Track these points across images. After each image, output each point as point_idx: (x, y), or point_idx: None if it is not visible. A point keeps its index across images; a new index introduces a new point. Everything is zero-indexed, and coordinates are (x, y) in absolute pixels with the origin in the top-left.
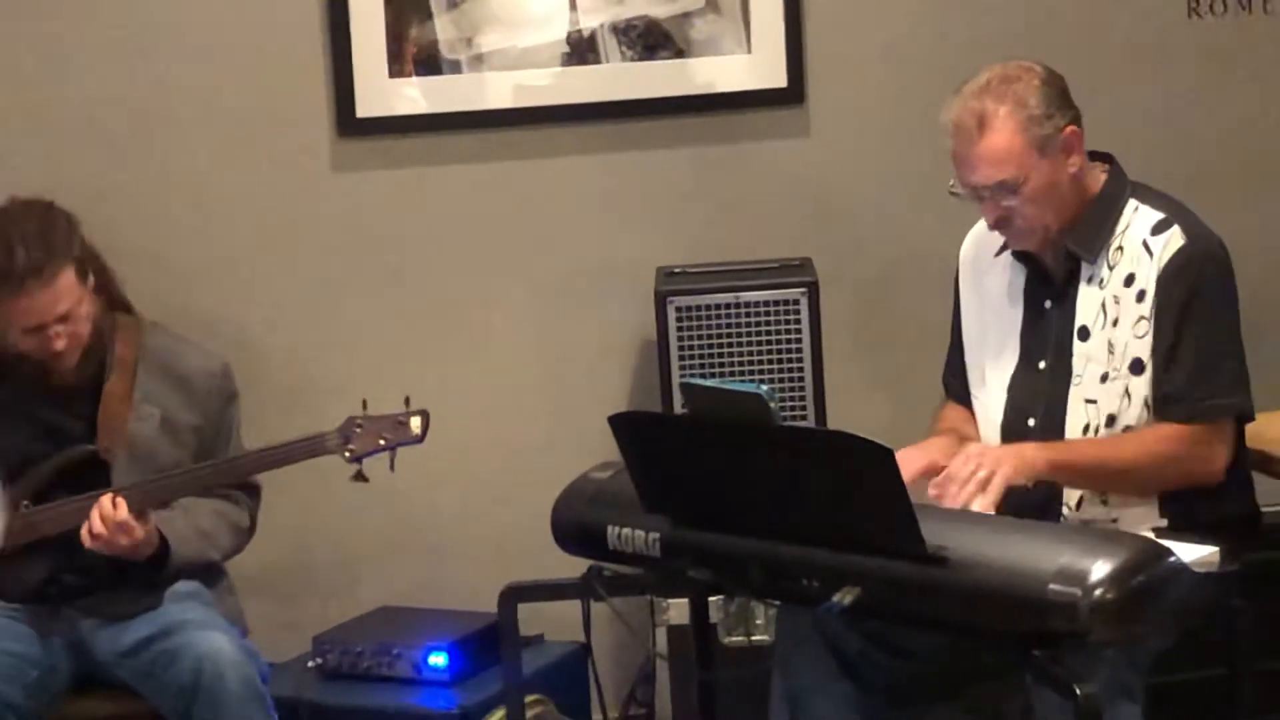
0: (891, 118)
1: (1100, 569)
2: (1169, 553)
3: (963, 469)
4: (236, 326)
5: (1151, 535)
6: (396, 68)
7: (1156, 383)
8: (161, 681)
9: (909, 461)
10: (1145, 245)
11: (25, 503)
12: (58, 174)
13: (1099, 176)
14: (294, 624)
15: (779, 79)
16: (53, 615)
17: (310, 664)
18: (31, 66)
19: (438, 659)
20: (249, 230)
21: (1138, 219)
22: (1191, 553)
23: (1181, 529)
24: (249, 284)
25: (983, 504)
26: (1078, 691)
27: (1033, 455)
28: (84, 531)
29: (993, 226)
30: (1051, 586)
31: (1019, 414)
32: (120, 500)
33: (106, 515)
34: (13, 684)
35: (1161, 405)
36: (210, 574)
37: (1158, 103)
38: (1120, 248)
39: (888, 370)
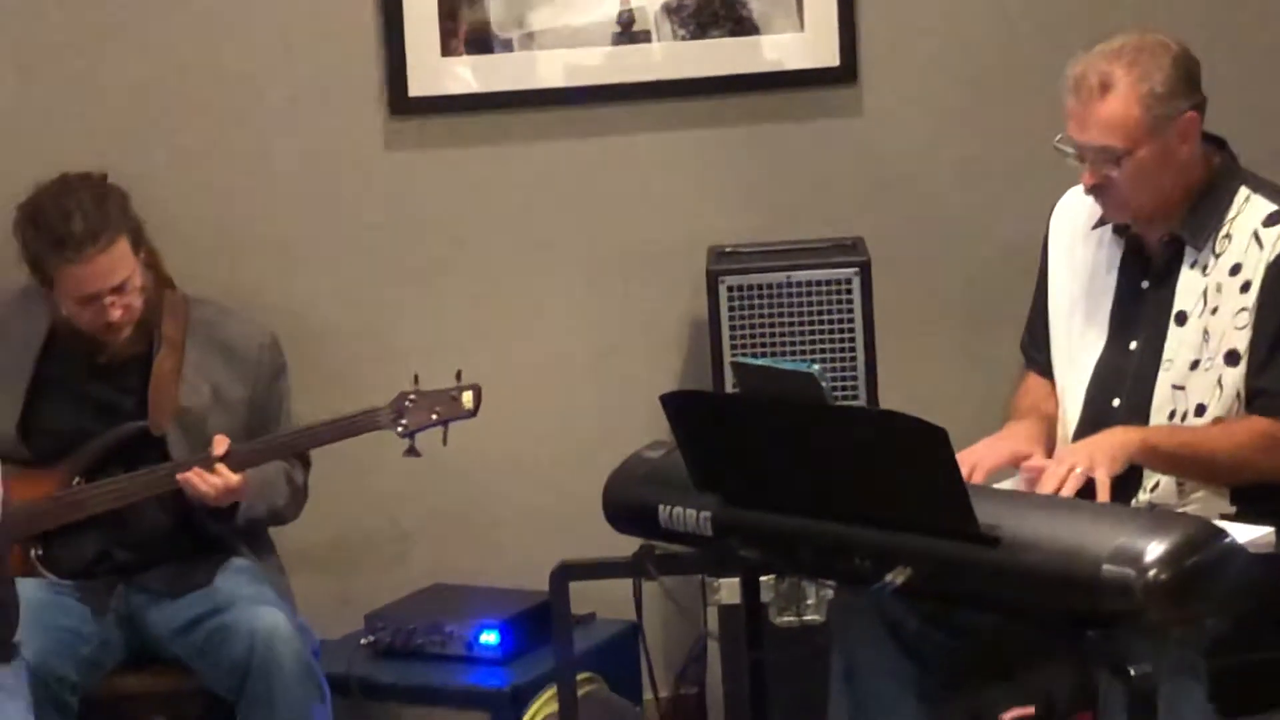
0: (944, 96)
1: (1155, 549)
2: (1224, 533)
3: (1057, 471)
4: (288, 304)
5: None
6: (448, 47)
7: (1251, 376)
8: (215, 658)
9: (993, 452)
10: (1256, 236)
11: (77, 479)
12: (109, 153)
13: (1211, 161)
14: (346, 601)
15: (832, 57)
16: (105, 591)
17: (362, 641)
18: (83, 47)
19: (489, 637)
20: (302, 209)
21: (1249, 208)
22: (1247, 533)
23: (1251, 518)
24: (301, 262)
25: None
26: (1131, 672)
27: (1124, 439)
28: (200, 492)
29: (1088, 191)
30: (1106, 567)
31: (1104, 393)
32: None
33: (227, 482)
34: (66, 660)
35: (1254, 399)
36: (261, 552)
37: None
38: (1228, 235)
39: (940, 350)
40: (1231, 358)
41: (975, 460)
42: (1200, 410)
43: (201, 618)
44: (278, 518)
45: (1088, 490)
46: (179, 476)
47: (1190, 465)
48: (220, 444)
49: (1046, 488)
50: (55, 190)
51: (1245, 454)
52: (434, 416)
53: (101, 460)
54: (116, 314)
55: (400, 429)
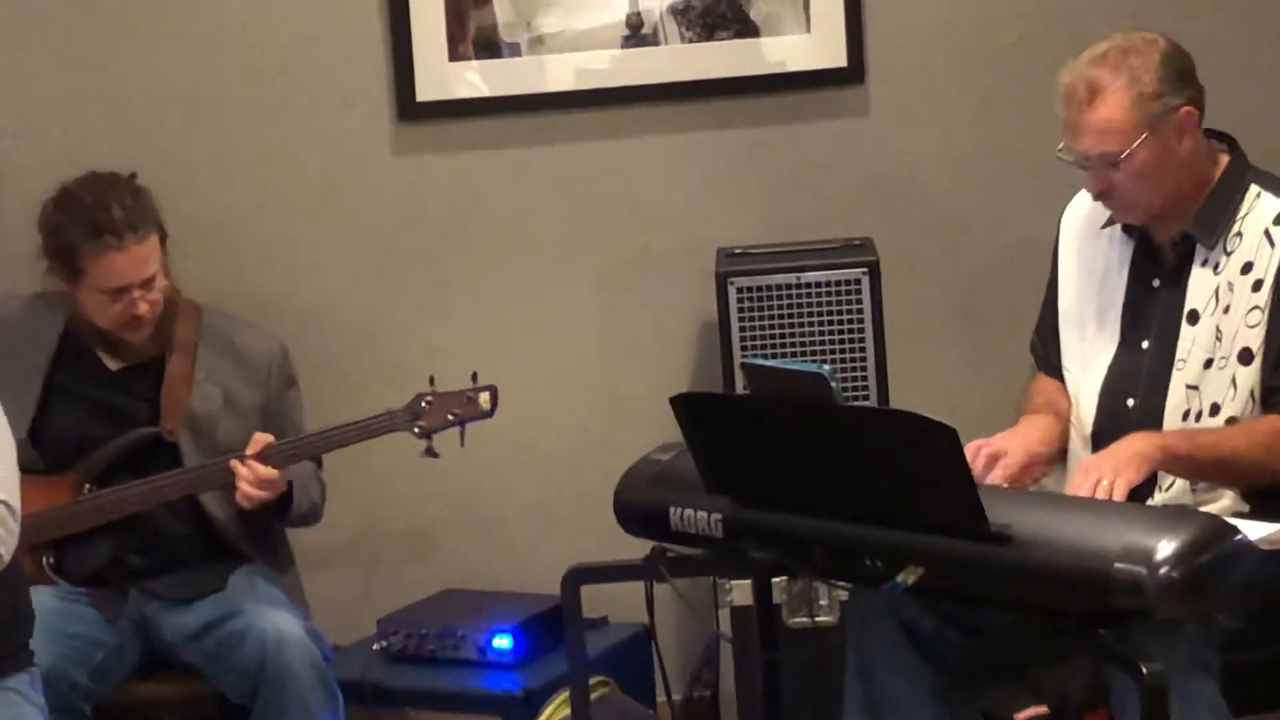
0: (952, 96)
1: (1166, 546)
2: (1235, 530)
3: (1085, 482)
4: (296, 309)
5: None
6: (456, 51)
7: (1266, 374)
8: (227, 663)
9: (1014, 451)
10: (1267, 234)
11: (88, 485)
12: (117, 157)
13: (1219, 159)
14: (359, 606)
15: (839, 58)
16: (118, 597)
17: (375, 646)
18: (93, 49)
19: (502, 641)
20: (310, 214)
21: (1260, 205)
22: (1259, 530)
23: (1263, 515)
24: (309, 267)
25: None
26: (1144, 669)
27: (1146, 449)
28: (243, 491)
29: (1095, 197)
30: (1117, 564)
31: (1118, 394)
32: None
33: (260, 474)
34: (79, 667)
35: (1269, 398)
36: (275, 557)
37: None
38: (1239, 234)
39: (950, 349)
40: (1245, 356)
41: (996, 449)
42: (1215, 410)
43: (213, 623)
44: (315, 515)
45: None
46: (234, 466)
47: (1212, 468)
48: (259, 441)
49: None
50: (89, 182)
51: (1267, 453)
52: (451, 418)
53: (113, 466)
54: (144, 309)
55: (417, 430)
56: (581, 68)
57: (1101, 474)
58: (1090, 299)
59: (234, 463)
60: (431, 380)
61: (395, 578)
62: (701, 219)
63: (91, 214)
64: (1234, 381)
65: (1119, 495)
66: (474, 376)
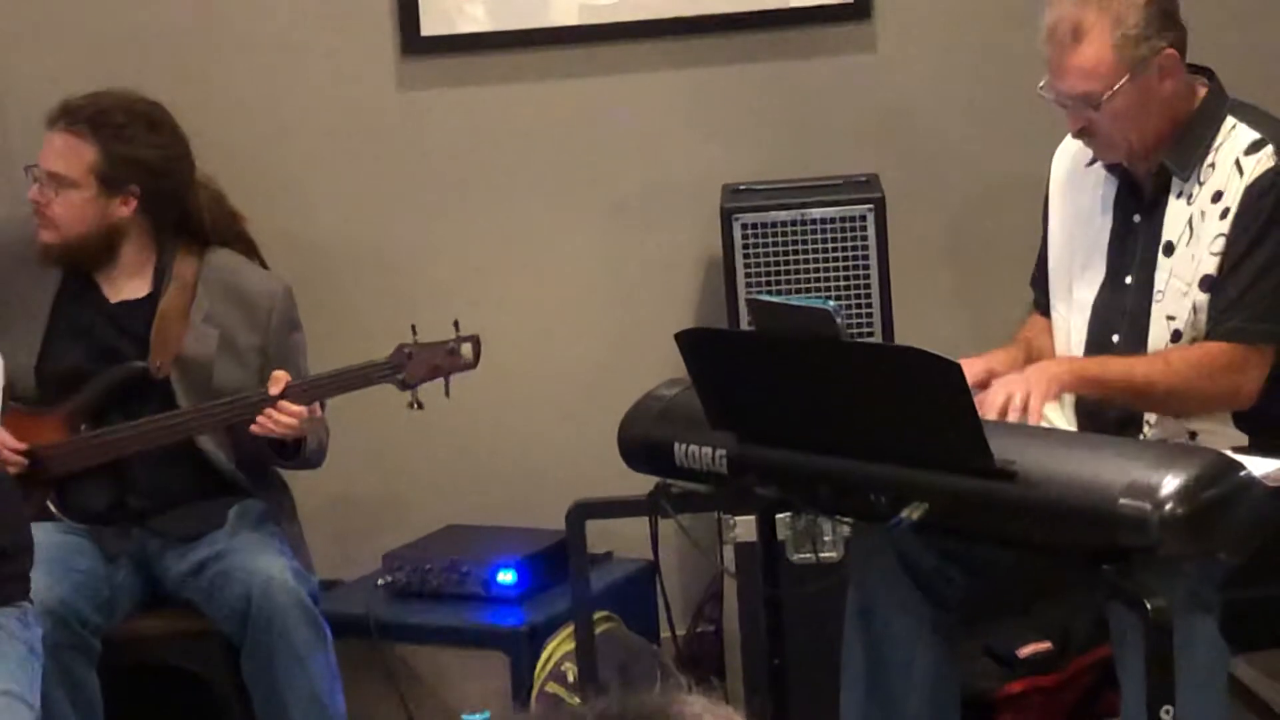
0: (959, 32)
1: (1171, 483)
2: (1240, 466)
3: (997, 398)
4: (300, 247)
5: (1229, 452)
6: None
7: (1212, 302)
8: (218, 602)
9: (969, 367)
10: (1237, 164)
11: (83, 425)
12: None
13: (1198, 91)
14: (363, 540)
15: None
16: (121, 536)
17: (379, 582)
18: None
19: (506, 576)
20: (313, 150)
21: (1234, 137)
22: (1264, 466)
23: (1264, 448)
24: (312, 204)
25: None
26: (1148, 605)
27: (1057, 371)
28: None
29: (1075, 135)
30: (1122, 501)
31: (1104, 330)
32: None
33: (294, 412)
34: (86, 600)
35: (1212, 326)
36: (274, 493)
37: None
38: (1213, 164)
39: (955, 286)
40: (1205, 283)
41: None
42: (1176, 336)
43: (208, 561)
44: (321, 454)
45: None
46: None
47: (1122, 393)
48: (279, 381)
49: (989, 415)
50: (116, 89)
51: (1183, 380)
52: (432, 369)
53: (103, 403)
54: (43, 201)
55: (399, 383)
56: (586, 2)
57: (1012, 390)
58: (1078, 237)
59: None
60: (414, 330)
61: (400, 513)
62: (706, 155)
63: (77, 98)
64: (1194, 308)
65: (1032, 412)
66: (455, 325)
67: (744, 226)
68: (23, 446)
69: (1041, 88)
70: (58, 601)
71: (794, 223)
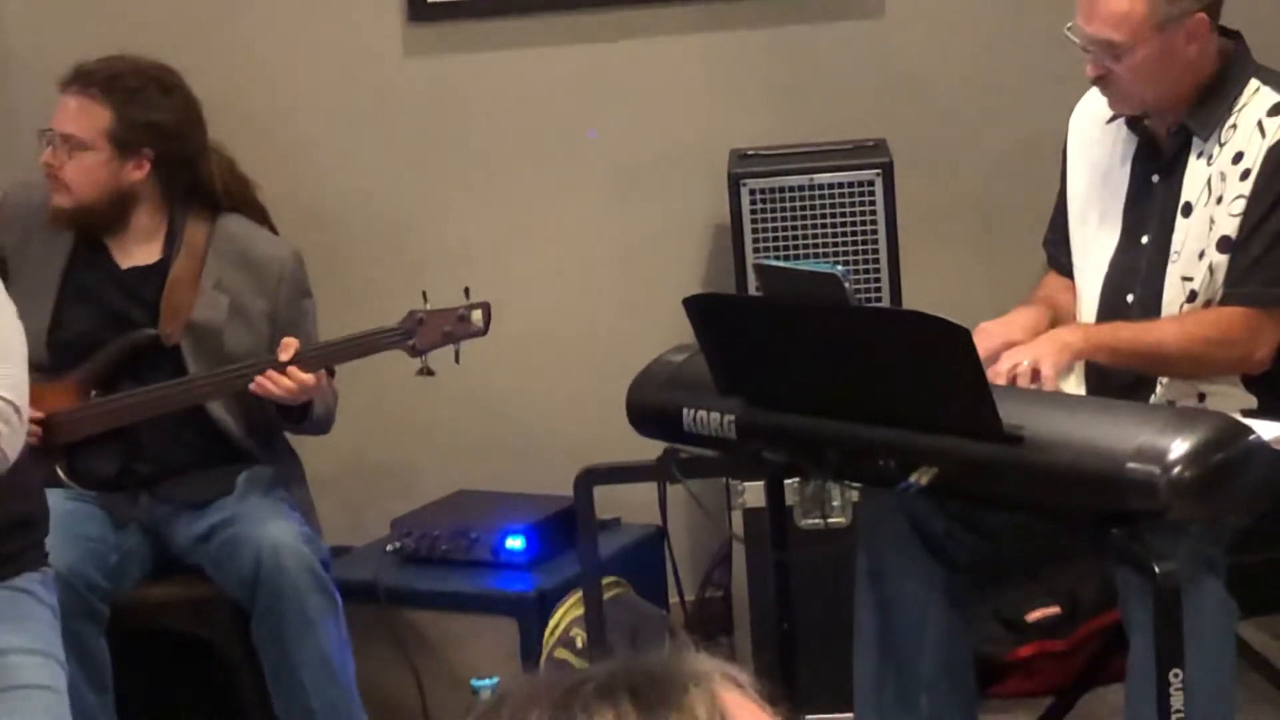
0: None
1: (1179, 447)
2: (1249, 430)
3: (1004, 366)
4: (308, 215)
5: (1238, 415)
6: None
7: (1232, 260)
8: (227, 569)
9: (989, 337)
10: (1260, 125)
11: (94, 392)
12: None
13: (1223, 53)
14: (372, 506)
15: None
16: (130, 502)
17: (389, 547)
18: None
19: (515, 542)
20: (322, 117)
21: (1257, 99)
22: (1272, 430)
23: (1272, 410)
24: (320, 172)
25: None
26: (1156, 569)
27: (1068, 338)
28: (273, 394)
29: (1093, 82)
30: (1130, 465)
31: (1118, 289)
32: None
33: (301, 379)
34: (94, 567)
35: (1229, 289)
36: (283, 459)
37: None
38: (1234, 125)
39: (963, 251)
40: (1223, 244)
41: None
42: (1192, 297)
43: (217, 528)
44: (329, 420)
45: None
46: (257, 380)
47: (1134, 358)
48: (289, 347)
49: (998, 383)
50: (136, 56)
51: (1195, 344)
52: (443, 336)
53: (114, 370)
54: (56, 164)
55: (410, 349)
56: None
57: (1022, 359)
58: (1095, 196)
59: (258, 381)
60: (425, 296)
61: (409, 479)
62: (714, 120)
63: (90, 62)
64: (1211, 268)
65: (1046, 380)
66: (466, 292)
67: (752, 192)
68: (38, 415)
69: (1069, 28)
70: (67, 568)
71: (802, 188)
